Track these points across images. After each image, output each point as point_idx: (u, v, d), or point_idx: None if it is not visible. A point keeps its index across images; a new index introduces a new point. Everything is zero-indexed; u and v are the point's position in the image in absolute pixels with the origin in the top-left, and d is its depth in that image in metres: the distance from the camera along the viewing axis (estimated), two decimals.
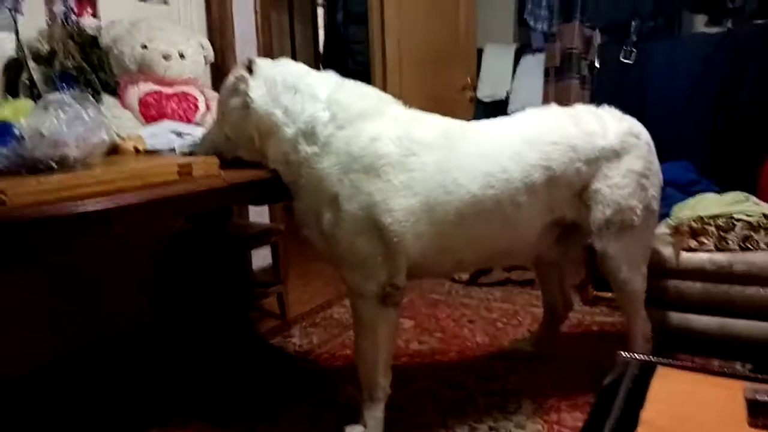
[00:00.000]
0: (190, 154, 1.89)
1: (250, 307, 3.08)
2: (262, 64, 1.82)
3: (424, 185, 1.76)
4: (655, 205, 2.08)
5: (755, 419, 1.05)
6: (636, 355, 1.37)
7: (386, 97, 1.91)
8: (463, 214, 1.81)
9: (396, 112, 1.86)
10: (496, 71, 4.84)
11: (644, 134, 2.07)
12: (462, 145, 1.84)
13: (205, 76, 2.73)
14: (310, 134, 1.74)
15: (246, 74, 1.78)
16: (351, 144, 1.73)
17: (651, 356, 1.35)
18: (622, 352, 1.37)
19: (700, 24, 3.55)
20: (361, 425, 1.96)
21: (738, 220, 2.47)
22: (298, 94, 1.75)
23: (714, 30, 3.19)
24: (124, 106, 2.27)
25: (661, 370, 1.27)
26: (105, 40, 2.32)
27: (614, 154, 1.97)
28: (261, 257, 3.35)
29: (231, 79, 1.83)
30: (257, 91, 1.75)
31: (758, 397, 1.11)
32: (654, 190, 2.06)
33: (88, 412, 2.18)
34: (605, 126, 1.99)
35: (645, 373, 1.26)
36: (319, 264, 3.93)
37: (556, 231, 2.07)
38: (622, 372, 1.28)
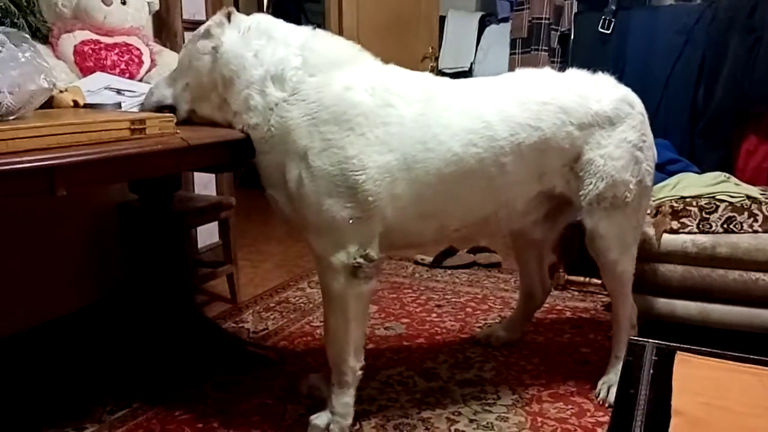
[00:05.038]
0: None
1: (197, 290, 2.92)
2: (241, 15, 1.82)
3: (401, 141, 1.72)
4: (649, 181, 2.05)
5: None
6: (650, 340, 1.33)
7: (363, 51, 1.88)
8: (444, 174, 1.76)
9: (372, 64, 1.85)
10: (459, 41, 4.78)
11: (639, 104, 2.05)
12: (443, 100, 1.81)
13: (148, 26, 2.54)
14: (279, 78, 1.71)
15: (224, 19, 1.77)
16: (322, 92, 1.70)
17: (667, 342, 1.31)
18: (636, 337, 1.33)
19: None
20: (327, 412, 1.88)
21: (721, 201, 2.50)
22: (271, 40, 1.76)
23: (696, 1, 3.20)
24: (57, 55, 2.07)
25: (680, 356, 1.23)
26: None
27: (608, 121, 1.94)
28: (206, 234, 3.18)
29: (206, 24, 1.80)
30: (230, 35, 1.76)
31: None
32: (648, 164, 2.03)
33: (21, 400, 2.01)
34: (599, 91, 1.96)
35: (664, 359, 1.23)
36: (268, 244, 3.84)
37: (545, 206, 2.03)
38: (639, 358, 1.24)
